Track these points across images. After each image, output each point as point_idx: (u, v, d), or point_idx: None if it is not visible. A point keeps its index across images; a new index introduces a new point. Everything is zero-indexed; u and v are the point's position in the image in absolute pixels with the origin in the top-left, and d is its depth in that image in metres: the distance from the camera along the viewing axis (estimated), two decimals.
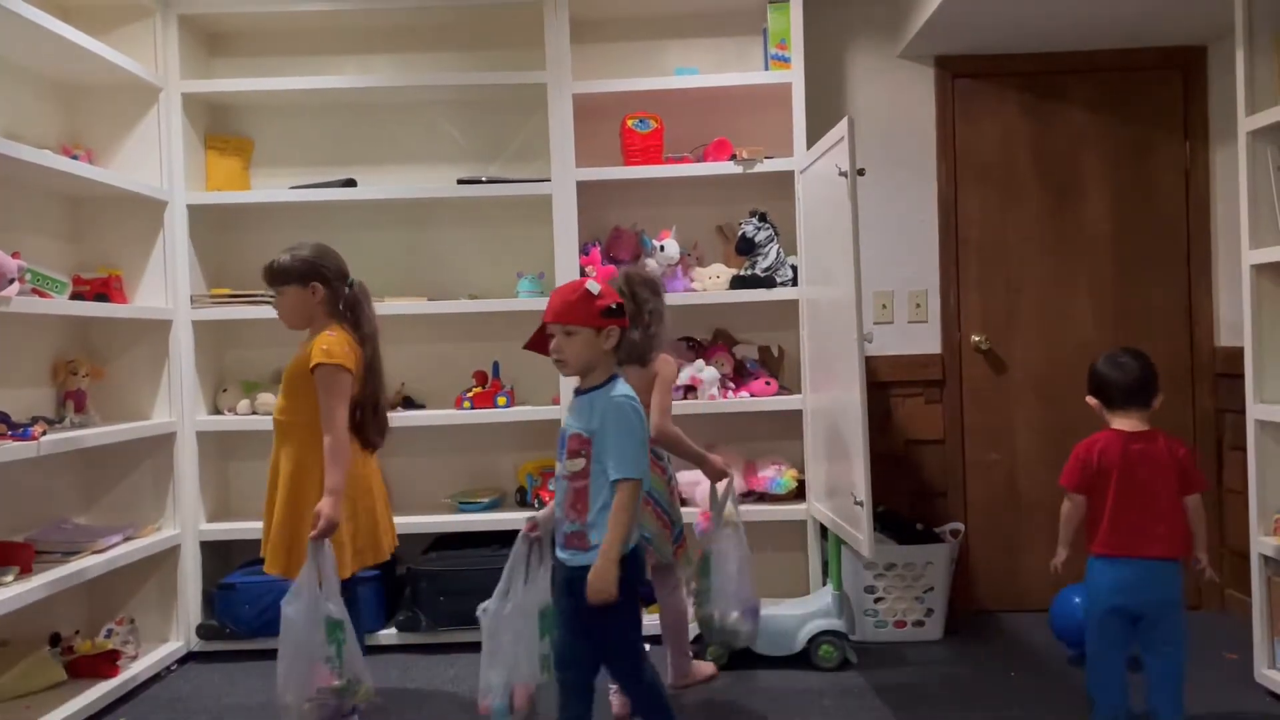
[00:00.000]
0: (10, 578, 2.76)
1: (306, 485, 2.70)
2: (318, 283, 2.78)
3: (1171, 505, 2.64)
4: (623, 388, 2.34)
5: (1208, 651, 3.45)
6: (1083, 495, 2.73)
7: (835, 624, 3.33)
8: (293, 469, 2.73)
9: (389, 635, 3.64)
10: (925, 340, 4.00)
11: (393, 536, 2.99)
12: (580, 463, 2.31)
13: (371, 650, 3.59)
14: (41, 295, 3.00)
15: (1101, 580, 2.67)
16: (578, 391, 2.40)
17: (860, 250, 2.95)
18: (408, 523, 3.67)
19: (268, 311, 3.63)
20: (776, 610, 3.39)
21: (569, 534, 2.35)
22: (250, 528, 3.58)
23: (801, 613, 3.39)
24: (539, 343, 2.42)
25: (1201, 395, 3.94)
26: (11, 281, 2.75)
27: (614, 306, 2.34)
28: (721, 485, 3.05)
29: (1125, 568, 2.63)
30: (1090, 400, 2.81)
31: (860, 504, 2.97)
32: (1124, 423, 2.74)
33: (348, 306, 2.84)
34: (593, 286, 2.33)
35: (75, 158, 3.26)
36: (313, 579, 2.53)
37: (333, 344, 2.69)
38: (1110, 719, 2.64)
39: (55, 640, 3.18)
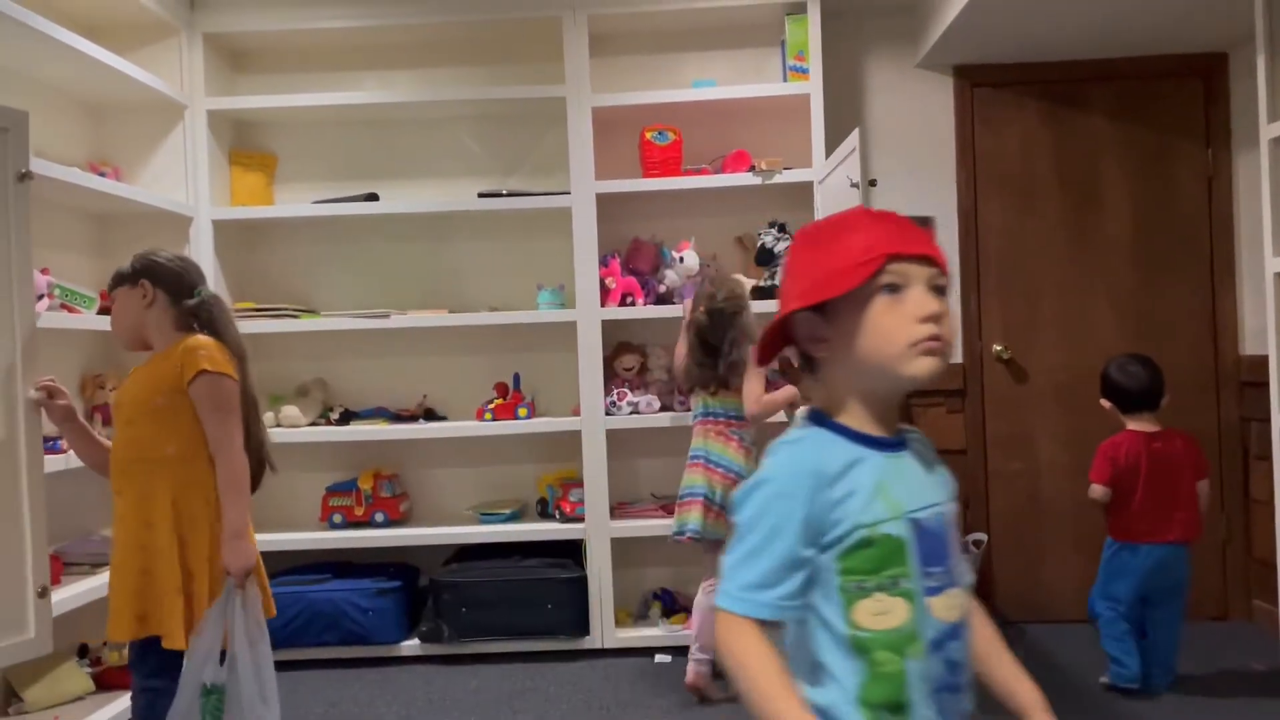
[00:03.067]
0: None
1: (193, 536, 2.23)
2: (147, 280, 2.30)
3: (1188, 494, 3.11)
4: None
5: (1234, 661, 3.42)
6: (1110, 488, 3.14)
7: None
8: (174, 517, 2.22)
9: (411, 646, 3.66)
10: None
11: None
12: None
13: (393, 662, 3.62)
14: (70, 310, 3.05)
15: (1127, 564, 3.11)
16: (890, 441, 1.19)
17: None
18: (429, 534, 3.71)
19: (291, 325, 3.69)
20: None
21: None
22: (276, 539, 3.61)
23: None
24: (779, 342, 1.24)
25: (1226, 404, 3.91)
26: (41, 297, 2.79)
27: None
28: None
29: (1150, 552, 3.07)
30: (1104, 403, 3.26)
31: None
32: (1139, 424, 3.19)
33: (201, 323, 2.32)
34: None
35: (102, 175, 3.31)
36: (214, 635, 2.17)
37: (211, 348, 2.24)
38: (1129, 678, 3.09)
39: (83, 652, 3.22)
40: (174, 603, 2.18)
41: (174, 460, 2.23)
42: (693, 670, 3.13)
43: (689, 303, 3.46)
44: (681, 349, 3.36)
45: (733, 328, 3.16)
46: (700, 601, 3.19)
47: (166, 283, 2.32)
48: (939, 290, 1.16)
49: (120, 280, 2.35)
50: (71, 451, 2.82)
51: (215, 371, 2.21)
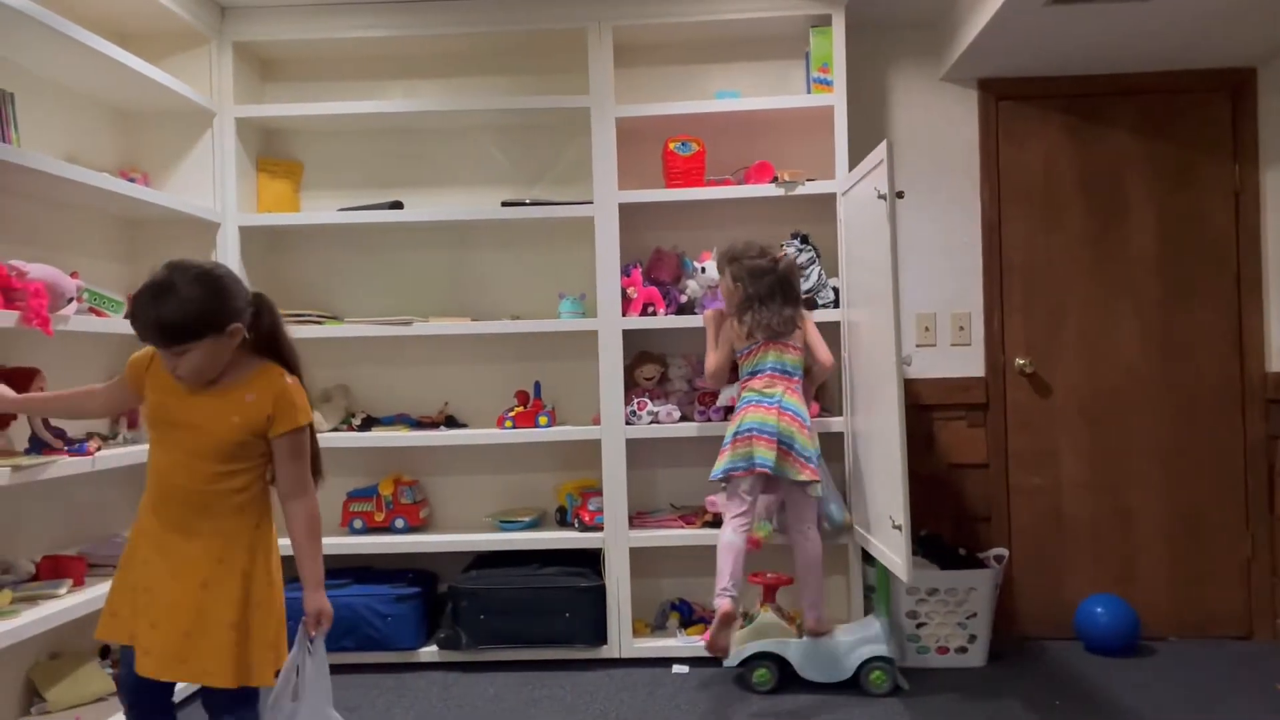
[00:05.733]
0: (64, 590, 2.82)
1: (256, 572, 2.14)
2: (239, 324, 2.10)
3: None
4: None
5: (1258, 682, 3.38)
6: None
7: (885, 649, 3.30)
8: (241, 555, 2.13)
9: (429, 653, 3.67)
10: (968, 363, 3.97)
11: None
12: None
13: (411, 668, 3.63)
14: (98, 314, 3.08)
15: None
16: None
17: (901, 272, 2.95)
18: (449, 540, 3.72)
19: (314, 331, 3.71)
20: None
21: None
22: None
23: (851, 638, 3.36)
24: None
25: (1253, 421, 3.87)
26: (70, 301, 2.83)
27: None
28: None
29: None
30: None
31: (898, 528, 2.95)
32: None
33: (265, 336, 2.20)
34: None
35: (132, 180, 3.35)
36: (314, 683, 2.19)
37: (303, 397, 2.19)
38: None
39: (105, 653, 3.24)
40: (225, 638, 2.08)
41: (247, 496, 2.15)
42: (729, 602, 3.18)
43: (711, 312, 3.56)
44: (714, 354, 3.48)
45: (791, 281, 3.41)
46: (732, 540, 3.24)
47: (245, 315, 2.13)
48: None
49: (201, 332, 2.03)
50: (96, 456, 2.86)
51: (308, 425, 2.18)
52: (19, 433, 2.81)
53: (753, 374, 3.37)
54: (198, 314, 2.02)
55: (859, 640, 3.34)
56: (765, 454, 3.20)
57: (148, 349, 2.17)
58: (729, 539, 3.25)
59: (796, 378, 3.36)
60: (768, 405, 3.27)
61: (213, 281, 2.06)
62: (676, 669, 3.57)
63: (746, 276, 3.36)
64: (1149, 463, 3.92)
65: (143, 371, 2.20)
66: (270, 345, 2.21)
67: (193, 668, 2.08)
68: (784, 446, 3.22)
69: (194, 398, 2.12)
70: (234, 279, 2.12)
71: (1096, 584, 3.88)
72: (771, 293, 3.35)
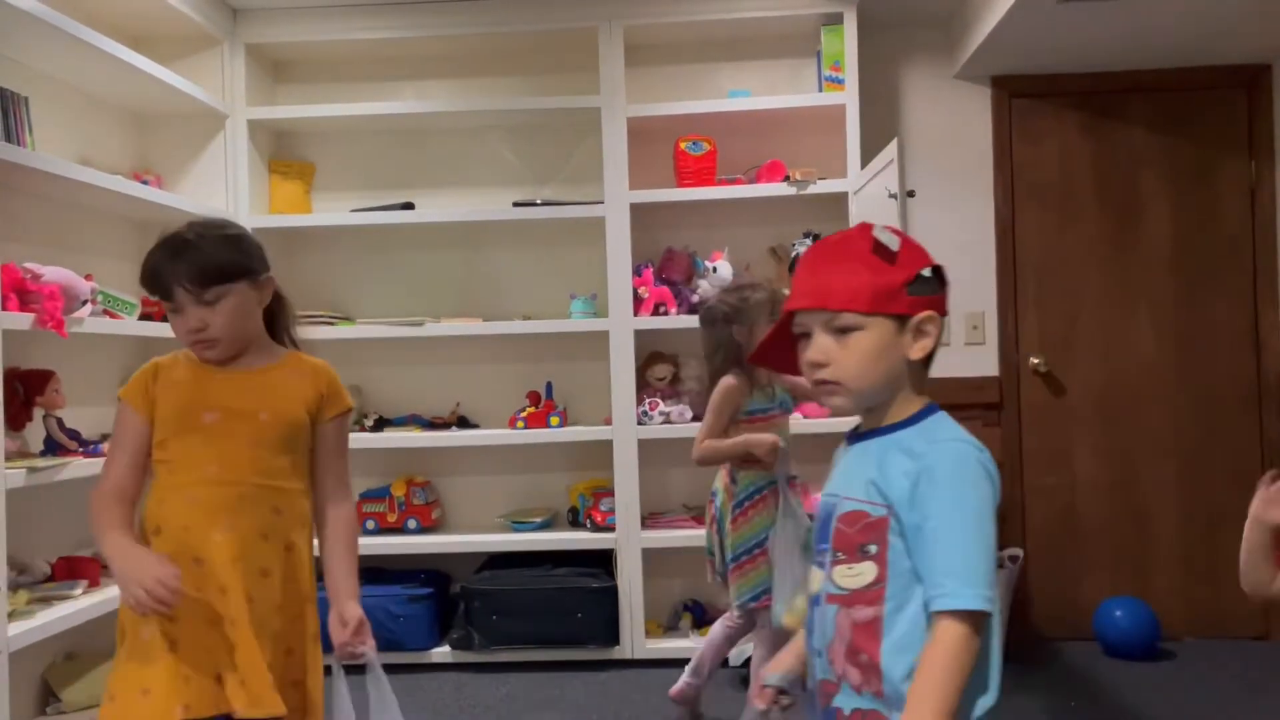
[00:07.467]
0: (79, 591, 2.83)
1: (310, 584, 1.90)
2: (271, 276, 1.86)
3: None
4: (952, 426, 1.38)
5: (1276, 683, 3.35)
6: None
7: None
8: (298, 564, 1.86)
9: (442, 653, 3.67)
10: (983, 362, 3.95)
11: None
12: (869, 570, 1.27)
13: (424, 668, 3.64)
14: (112, 316, 3.09)
15: None
16: (855, 435, 1.41)
17: None
18: (461, 541, 3.73)
19: (326, 332, 3.72)
20: None
21: (851, 714, 1.28)
22: None
23: None
24: (774, 354, 1.42)
25: (1268, 419, 3.84)
26: (84, 303, 2.84)
27: (930, 273, 1.32)
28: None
29: None
30: None
31: None
32: None
33: (277, 321, 1.93)
34: (884, 235, 1.29)
35: (145, 183, 3.36)
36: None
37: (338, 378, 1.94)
38: None
39: None
40: (316, 655, 1.88)
41: (296, 495, 1.84)
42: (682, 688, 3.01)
43: None
44: None
45: (714, 335, 2.83)
46: (713, 632, 3.04)
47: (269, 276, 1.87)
48: (840, 330, 1.28)
49: (242, 273, 1.78)
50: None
51: (352, 408, 1.93)
52: (34, 434, 2.82)
53: None
54: (231, 255, 1.77)
55: None
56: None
57: (140, 370, 1.87)
58: (713, 631, 3.05)
59: None
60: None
61: (238, 230, 1.87)
62: None
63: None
64: (1165, 461, 3.90)
65: (149, 381, 1.84)
66: (281, 332, 1.94)
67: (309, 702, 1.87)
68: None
69: (229, 381, 1.80)
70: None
71: (1112, 584, 3.85)
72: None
